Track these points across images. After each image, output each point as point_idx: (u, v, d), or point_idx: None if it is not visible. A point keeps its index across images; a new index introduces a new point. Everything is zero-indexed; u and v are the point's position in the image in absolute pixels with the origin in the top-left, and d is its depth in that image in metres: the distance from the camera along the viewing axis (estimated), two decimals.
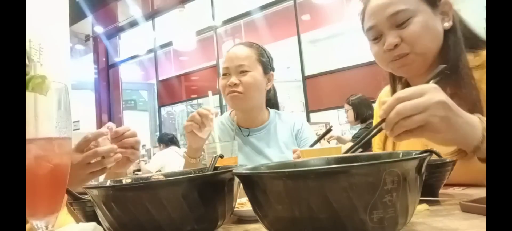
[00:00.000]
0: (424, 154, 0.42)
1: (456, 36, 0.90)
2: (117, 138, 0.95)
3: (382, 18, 0.89)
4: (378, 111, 1.14)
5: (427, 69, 0.91)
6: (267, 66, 1.39)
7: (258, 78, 1.33)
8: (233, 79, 1.31)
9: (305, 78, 5.23)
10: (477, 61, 0.87)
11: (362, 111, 3.28)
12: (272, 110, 1.48)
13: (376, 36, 0.93)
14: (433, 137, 0.65)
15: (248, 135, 1.40)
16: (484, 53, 0.88)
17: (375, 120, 1.16)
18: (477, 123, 0.66)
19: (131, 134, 0.98)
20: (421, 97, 0.62)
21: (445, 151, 0.81)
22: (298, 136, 1.42)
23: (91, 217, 0.60)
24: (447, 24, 0.90)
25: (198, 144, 1.19)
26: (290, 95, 7.62)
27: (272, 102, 1.54)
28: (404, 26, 0.87)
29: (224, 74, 1.36)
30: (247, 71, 1.32)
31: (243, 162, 1.34)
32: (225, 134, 1.41)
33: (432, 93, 0.62)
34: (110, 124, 0.96)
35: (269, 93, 1.47)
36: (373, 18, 0.91)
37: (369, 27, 0.93)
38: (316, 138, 1.30)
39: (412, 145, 0.96)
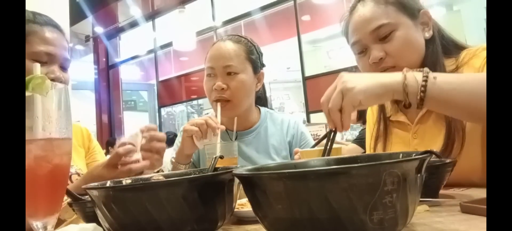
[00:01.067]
0: (424, 155, 0.42)
1: (435, 44, 0.93)
2: (149, 140, 0.92)
3: (365, 33, 0.92)
4: (370, 114, 1.16)
5: None
6: (257, 65, 1.23)
7: (247, 81, 1.18)
8: (220, 83, 1.15)
9: (305, 79, 5.23)
10: (452, 65, 0.92)
11: (364, 111, 3.26)
12: (263, 110, 1.32)
13: (361, 50, 0.96)
14: (355, 95, 0.72)
15: (236, 138, 1.16)
16: (460, 55, 0.92)
17: (368, 123, 1.18)
18: (395, 74, 0.75)
19: (161, 138, 0.95)
20: (330, 87, 0.74)
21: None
22: (295, 142, 1.28)
23: (91, 217, 0.60)
24: (427, 35, 0.93)
25: (192, 151, 1.10)
26: (290, 95, 7.63)
27: (261, 98, 1.37)
28: (387, 40, 0.90)
29: (208, 75, 1.19)
30: (235, 73, 1.16)
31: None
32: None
33: (337, 79, 0.74)
34: (150, 126, 0.95)
35: (258, 91, 1.30)
36: (357, 33, 0.94)
37: (354, 42, 0.96)
38: (310, 139, 1.28)
39: (402, 147, 1.00)
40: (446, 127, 0.89)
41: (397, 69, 0.88)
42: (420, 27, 0.93)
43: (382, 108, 1.08)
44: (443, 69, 0.89)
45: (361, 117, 3.27)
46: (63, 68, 0.96)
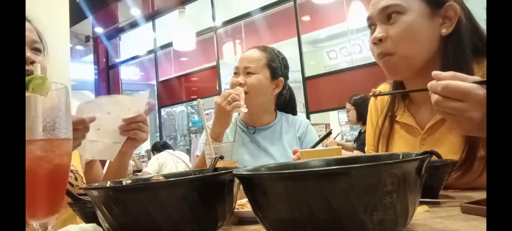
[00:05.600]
0: (424, 155, 0.42)
1: (460, 42, 0.85)
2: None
3: (375, 10, 0.89)
4: (373, 109, 1.12)
5: (417, 74, 0.89)
6: (276, 72, 1.43)
7: (262, 81, 1.39)
8: (240, 78, 1.40)
9: (305, 79, 5.23)
10: (478, 72, 0.84)
11: (364, 112, 3.21)
12: (279, 113, 1.54)
13: (370, 26, 0.93)
14: (457, 128, 0.67)
15: (254, 133, 1.47)
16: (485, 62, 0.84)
17: (370, 119, 1.14)
18: None
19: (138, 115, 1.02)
20: (467, 85, 0.62)
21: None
22: (302, 138, 1.47)
23: (91, 218, 0.60)
24: (445, 31, 0.86)
25: (228, 123, 1.30)
26: None
27: (289, 106, 1.59)
28: (391, 22, 0.86)
29: (234, 73, 1.45)
30: (252, 73, 1.39)
31: (247, 158, 1.41)
32: (231, 130, 1.47)
33: (480, 90, 0.62)
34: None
35: (283, 98, 1.53)
36: (370, 9, 0.92)
37: (367, 17, 0.93)
38: (316, 136, 1.30)
39: (405, 147, 0.96)
40: (465, 140, 0.82)
41: (395, 58, 0.86)
42: (439, 20, 0.86)
43: (392, 106, 1.02)
44: (470, 73, 0.80)
45: (361, 117, 3.25)
46: (36, 50, 0.96)
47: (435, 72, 0.66)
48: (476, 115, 0.62)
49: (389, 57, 0.87)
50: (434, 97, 0.65)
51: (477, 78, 0.64)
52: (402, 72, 0.90)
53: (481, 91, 0.61)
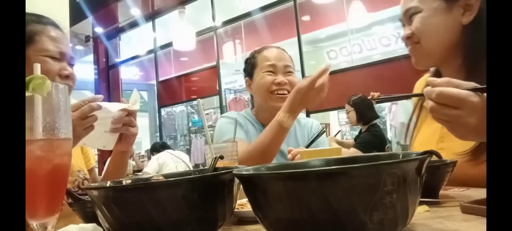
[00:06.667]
0: (424, 155, 0.42)
1: (481, 32, 0.84)
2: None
3: (401, 13, 1.00)
4: (418, 87, 1.17)
5: (441, 62, 0.98)
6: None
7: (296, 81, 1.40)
8: (281, 77, 1.37)
9: None
10: None
11: (364, 112, 3.18)
12: None
13: (403, 26, 1.02)
14: (454, 134, 0.68)
15: None
16: None
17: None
18: None
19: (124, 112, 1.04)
20: (462, 91, 0.63)
21: (460, 149, 0.84)
22: (312, 136, 1.50)
23: (91, 218, 0.60)
24: (465, 20, 0.90)
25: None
26: None
27: None
28: (412, 20, 0.96)
29: (270, 71, 1.39)
30: (292, 72, 1.40)
31: None
32: (245, 126, 1.46)
33: (474, 96, 0.63)
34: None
35: None
36: (401, 12, 1.01)
37: (399, 18, 1.03)
38: (328, 141, 1.30)
39: (428, 133, 1.00)
40: None
41: (422, 45, 0.95)
42: (459, 10, 0.90)
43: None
44: None
45: (361, 118, 3.24)
46: (70, 65, 1.03)
47: (429, 79, 0.68)
48: (472, 121, 0.63)
49: (414, 46, 0.97)
50: (429, 104, 0.66)
51: (474, 84, 0.65)
52: (424, 61, 0.99)
53: (476, 98, 0.62)
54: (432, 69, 1.09)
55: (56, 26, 1.02)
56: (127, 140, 1.07)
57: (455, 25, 0.91)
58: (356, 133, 4.03)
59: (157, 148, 4.94)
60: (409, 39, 0.98)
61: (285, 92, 1.37)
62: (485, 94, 0.63)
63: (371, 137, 3.11)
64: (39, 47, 0.95)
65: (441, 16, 0.92)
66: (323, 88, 1.15)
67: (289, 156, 1.07)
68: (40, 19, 1.00)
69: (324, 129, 1.40)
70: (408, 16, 0.97)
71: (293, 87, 1.32)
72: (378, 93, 1.09)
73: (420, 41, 0.95)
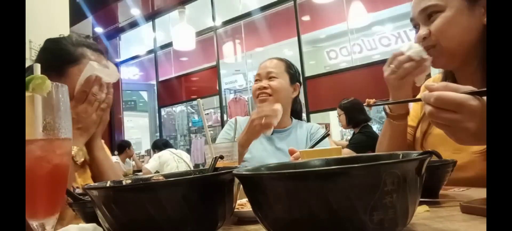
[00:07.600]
0: (424, 155, 0.42)
1: None
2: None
3: (416, 12, 0.96)
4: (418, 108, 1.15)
5: (463, 63, 0.94)
6: (294, 77, 1.59)
7: (284, 84, 1.53)
8: (263, 83, 1.52)
9: (305, 79, 5.23)
10: None
11: (354, 116, 3.25)
12: (294, 120, 1.67)
13: (415, 26, 0.99)
14: (453, 139, 0.67)
15: (272, 134, 1.54)
16: None
17: (414, 109, 1.16)
18: None
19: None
20: (461, 95, 0.62)
21: (476, 148, 0.84)
22: (310, 137, 1.58)
23: (91, 217, 0.60)
24: (485, 19, 0.89)
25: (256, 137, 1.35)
26: None
27: (296, 112, 1.72)
28: (432, 20, 0.92)
29: (256, 80, 1.57)
30: (275, 77, 1.52)
31: (264, 155, 1.51)
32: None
33: (473, 100, 0.62)
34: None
35: (296, 105, 1.69)
36: (412, 11, 0.98)
37: (410, 18, 1.00)
38: (327, 142, 1.30)
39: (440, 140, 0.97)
40: None
41: (439, 49, 0.92)
42: (481, 10, 0.90)
43: None
44: None
45: (350, 121, 3.29)
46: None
47: (427, 83, 0.67)
48: (471, 126, 0.62)
49: (432, 50, 0.93)
50: (428, 108, 0.66)
51: (472, 88, 0.64)
52: (445, 62, 0.96)
53: (475, 101, 0.62)
54: (441, 70, 1.07)
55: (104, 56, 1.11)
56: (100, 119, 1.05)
57: (476, 25, 0.90)
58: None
59: (159, 145, 4.91)
60: (425, 40, 0.94)
61: (264, 95, 1.50)
62: (485, 97, 0.63)
63: (364, 138, 3.17)
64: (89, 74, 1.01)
65: (465, 16, 0.90)
66: (269, 126, 1.26)
67: (292, 158, 1.07)
68: (90, 45, 1.09)
69: (329, 132, 1.40)
70: (425, 15, 0.94)
71: (274, 90, 1.49)
72: (374, 99, 1.06)
73: (439, 42, 0.91)
